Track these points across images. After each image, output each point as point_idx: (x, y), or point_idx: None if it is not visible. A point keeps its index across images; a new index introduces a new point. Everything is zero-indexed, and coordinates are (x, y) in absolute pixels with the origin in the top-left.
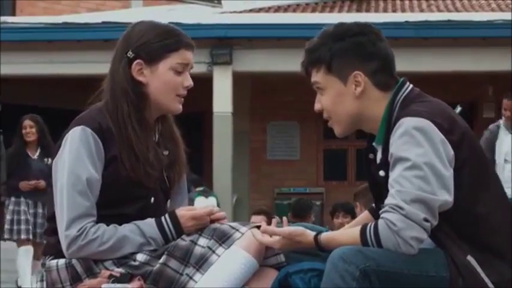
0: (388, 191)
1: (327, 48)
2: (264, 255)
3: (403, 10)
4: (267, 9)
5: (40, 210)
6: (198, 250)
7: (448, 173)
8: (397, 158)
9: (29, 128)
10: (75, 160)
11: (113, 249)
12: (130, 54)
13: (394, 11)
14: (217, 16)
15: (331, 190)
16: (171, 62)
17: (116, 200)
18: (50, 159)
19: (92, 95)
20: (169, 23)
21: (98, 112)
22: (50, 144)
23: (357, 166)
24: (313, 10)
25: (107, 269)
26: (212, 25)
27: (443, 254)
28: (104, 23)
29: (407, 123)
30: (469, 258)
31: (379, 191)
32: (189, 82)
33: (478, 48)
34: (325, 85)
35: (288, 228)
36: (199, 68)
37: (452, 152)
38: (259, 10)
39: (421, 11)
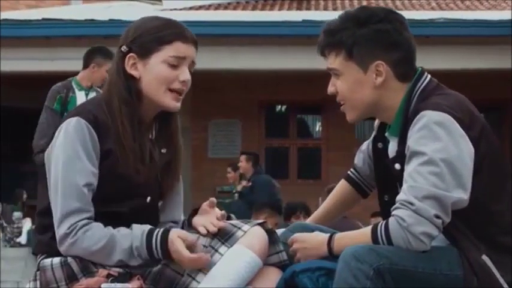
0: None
1: (349, 33)
2: None
3: (344, 8)
4: (207, 7)
5: None
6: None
7: (466, 171)
8: (413, 151)
9: None
10: (69, 152)
11: (103, 252)
12: (124, 48)
13: (334, 9)
14: (157, 14)
15: None
16: (164, 54)
17: (111, 197)
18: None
19: (32, 92)
20: (109, 20)
21: (95, 105)
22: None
23: (298, 164)
24: (254, 8)
25: (104, 267)
26: None
27: (457, 252)
28: (44, 19)
29: (428, 116)
30: (484, 257)
31: (385, 183)
32: (186, 76)
33: (421, 46)
34: (343, 71)
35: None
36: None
37: (472, 149)
38: (199, 8)
39: None
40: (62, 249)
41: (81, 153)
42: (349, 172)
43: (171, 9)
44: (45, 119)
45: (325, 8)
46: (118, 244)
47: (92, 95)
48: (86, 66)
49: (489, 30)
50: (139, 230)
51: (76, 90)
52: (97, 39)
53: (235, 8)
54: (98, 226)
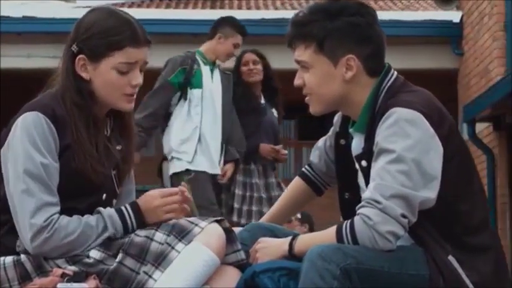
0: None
1: (321, 25)
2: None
3: (258, 8)
4: (121, 5)
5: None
6: (155, 246)
7: (435, 170)
8: (382, 148)
9: (253, 65)
10: (29, 146)
11: (79, 241)
12: (74, 48)
13: (248, 8)
14: (71, 11)
15: None
16: (114, 61)
17: (67, 193)
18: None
19: None
20: (23, 16)
21: (51, 98)
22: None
23: None
24: (168, 6)
25: (58, 267)
26: (67, 20)
27: (422, 251)
28: None
29: (398, 113)
30: (450, 258)
31: (346, 180)
32: (137, 81)
33: None
34: (313, 64)
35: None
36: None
37: (442, 149)
38: (114, 6)
39: (276, 8)
40: (34, 244)
41: (42, 148)
42: (303, 169)
43: (84, 7)
44: (153, 91)
45: (239, 7)
46: (94, 227)
47: (216, 74)
48: (211, 36)
49: (404, 30)
50: (107, 210)
51: (201, 64)
52: (10, 36)
53: (148, 6)
54: (67, 217)
